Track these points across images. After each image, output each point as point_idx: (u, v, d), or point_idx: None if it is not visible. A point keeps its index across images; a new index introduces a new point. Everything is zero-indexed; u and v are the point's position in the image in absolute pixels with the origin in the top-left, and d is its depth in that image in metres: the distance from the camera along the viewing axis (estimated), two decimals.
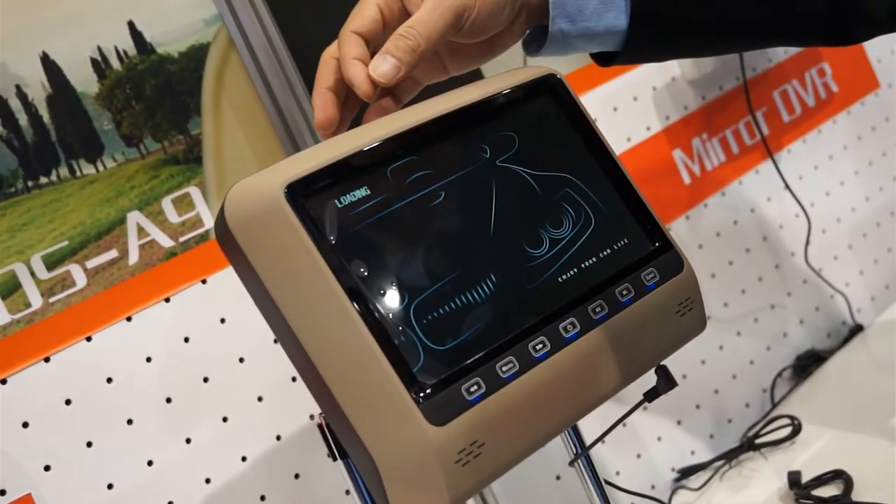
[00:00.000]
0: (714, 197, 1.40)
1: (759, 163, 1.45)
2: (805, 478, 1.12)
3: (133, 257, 0.99)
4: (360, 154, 0.78)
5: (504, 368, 0.76)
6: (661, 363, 0.87)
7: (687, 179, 1.37)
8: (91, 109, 0.99)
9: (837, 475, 1.11)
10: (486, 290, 0.78)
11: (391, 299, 0.75)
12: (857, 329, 1.48)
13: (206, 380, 1.01)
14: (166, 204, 1.01)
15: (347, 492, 1.06)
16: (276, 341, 1.04)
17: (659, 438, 1.29)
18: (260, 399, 1.04)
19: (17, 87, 0.96)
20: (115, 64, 1.01)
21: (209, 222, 1.03)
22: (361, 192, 0.77)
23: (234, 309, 1.04)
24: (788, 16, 0.81)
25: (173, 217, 1.01)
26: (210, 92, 1.05)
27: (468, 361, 0.75)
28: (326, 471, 1.06)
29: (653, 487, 1.25)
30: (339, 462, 0.86)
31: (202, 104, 1.05)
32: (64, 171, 0.97)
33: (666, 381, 0.88)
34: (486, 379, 0.75)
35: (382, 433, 0.74)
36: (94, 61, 1.00)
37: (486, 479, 0.76)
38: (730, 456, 1.25)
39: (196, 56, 1.05)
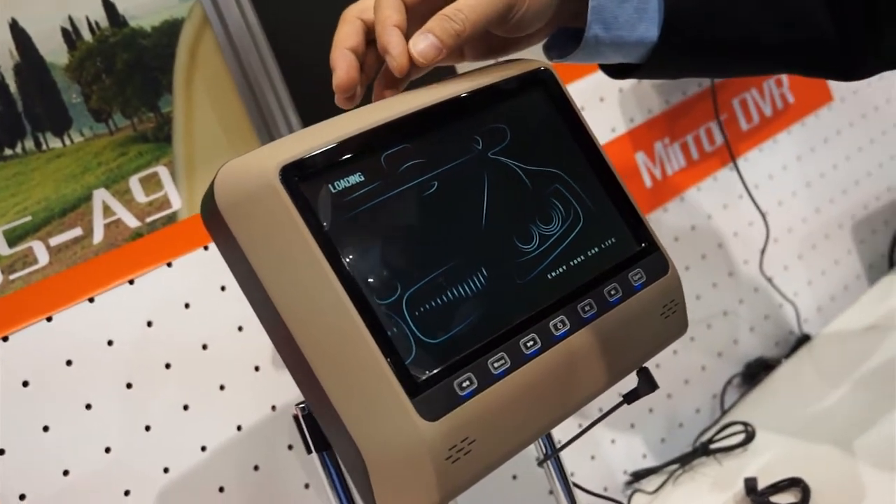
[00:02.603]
0: (673, 202, 1.40)
1: (718, 169, 1.46)
2: (761, 484, 1.13)
3: (98, 236, 0.96)
4: (356, 139, 0.76)
5: (496, 365, 0.75)
6: (644, 365, 0.87)
7: (648, 183, 1.37)
8: (60, 81, 0.96)
9: (794, 483, 1.12)
10: (478, 283, 0.78)
11: (384, 289, 0.73)
12: (805, 339, 1.51)
13: (168, 366, 0.99)
14: (133, 183, 0.98)
15: (307, 485, 1.05)
16: (240, 329, 1.03)
17: (613, 441, 1.29)
18: (222, 388, 1.02)
19: None
20: (87, 35, 0.98)
21: (177, 203, 1.01)
22: (355, 179, 0.76)
23: (199, 294, 1.01)
24: (802, 42, 0.81)
25: (140, 197, 0.99)
26: (182, 69, 1.02)
27: (460, 356, 0.74)
28: (286, 463, 1.05)
29: (605, 489, 1.25)
30: (314, 455, 0.84)
31: (174, 82, 1.02)
32: (30, 144, 0.94)
33: (647, 384, 0.88)
34: (478, 375, 0.74)
35: (372, 426, 0.73)
36: (64, 31, 0.96)
37: (476, 476, 0.75)
38: (684, 460, 1.26)
39: (169, 31, 1.02)
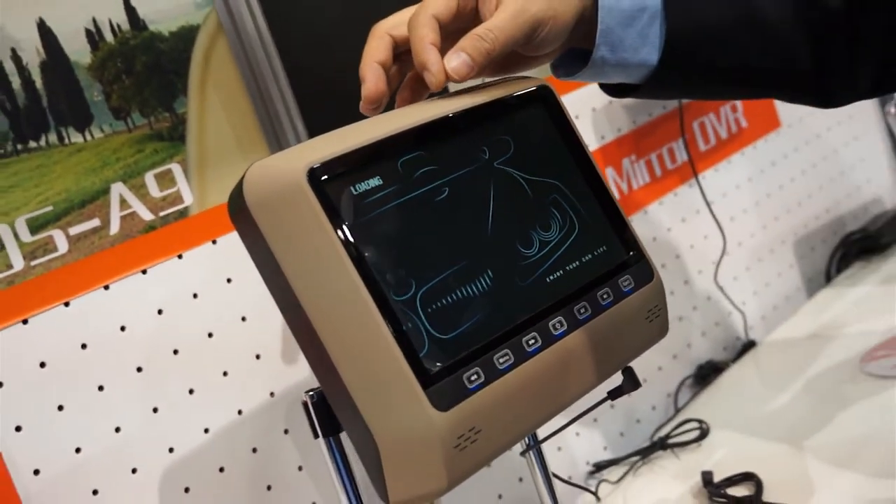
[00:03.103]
0: (637, 214, 1.42)
1: (678, 186, 1.48)
2: (717, 478, 1.15)
3: (114, 227, 0.95)
4: (376, 145, 0.77)
5: (501, 360, 0.76)
6: (629, 365, 0.88)
7: (616, 196, 1.38)
8: (83, 79, 0.95)
9: (747, 477, 1.14)
10: (484, 284, 0.78)
11: (400, 286, 0.74)
12: (750, 344, 1.53)
13: (175, 352, 0.98)
14: (149, 178, 0.98)
15: (300, 468, 1.05)
16: (244, 319, 1.03)
17: (577, 434, 1.30)
18: (225, 374, 1.01)
19: (13, 50, 0.91)
20: (109, 37, 0.97)
21: (188, 199, 1.00)
22: (375, 182, 0.76)
23: (206, 286, 1.01)
24: (786, 72, 0.83)
25: (155, 191, 0.98)
26: (197, 73, 1.02)
27: (469, 352, 0.75)
28: (282, 447, 1.04)
29: (570, 478, 1.26)
30: (322, 441, 0.84)
31: (189, 85, 1.02)
32: (53, 138, 0.93)
33: (631, 382, 0.89)
34: (485, 369, 0.75)
35: (386, 414, 0.73)
36: (88, 32, 0.96)
37: (479, 464, 0.76)
38: (643, 453, 1.27)
39: (186, 37, 1.01)
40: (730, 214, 1.54)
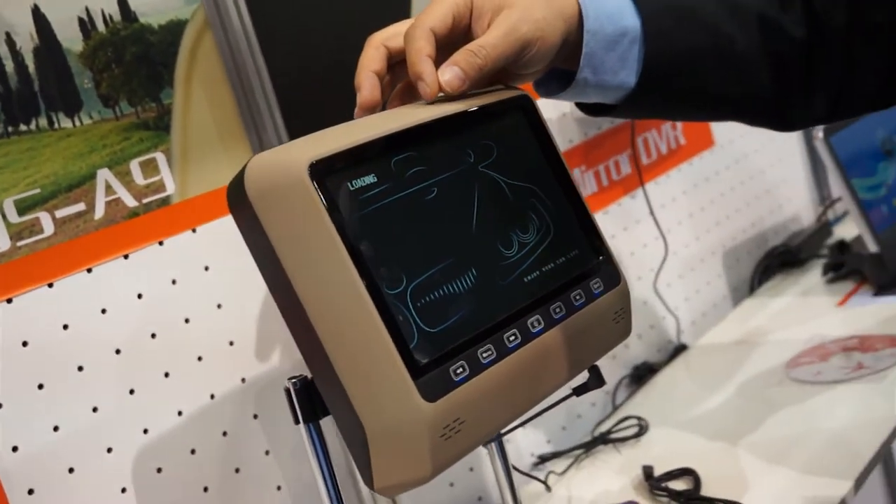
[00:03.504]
0: None
1: (621, 197, 1.50)
2: (656, 472, 1.16)
3: (99, 212, 0.93)
4: (372, 143, 0.76)
5: (484, 355, 0.76)
6: (595, 363, 0.89)
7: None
8: (74, 66, 0.93)
9: (686, 472, 1.15)
10: (469, 281, 0.78)
11: (392, 280, 0.73)
12: (682, 347, 1.55)
13: (153, 336, 0.96)
14: (134, 166, 0.96)
15: (267, 452, 1.03)
16: (219, 306, 1.01)
17: (524, 427, 1.30)
18: (200, 359, 0.99)
19: (7, 34, 0.89)
20: (101, 26, 0.95)
21: (171, 188, 0.98)
22: (370, 179, 0.75)
23: (185, 273, 0.99)
24: (749, 99, 0.85)
25: (139, 179, 0.96)
26: (183, 66, 1.00)
27: (455, 346, 0.75)
28: (250, 431, 1.03)
29: (515, 468, 1.26)
30: (302, 426, 0.83)
31: (175, 77, 1.00)
32: (43, 122, 0.90)
33: (597, 379, 0.90)
34: (470, 363, 0.75)
35: (376, 403, 0.72)
36: (81, 20, 0.93)
37: (461, 454, 0.76)
38: (586, 447, 1.28)
39: (174, 30, 1.00)
40: (667, 226, 1.56)
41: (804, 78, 0.85)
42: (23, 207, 0.88)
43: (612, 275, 0.89)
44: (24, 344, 0.87)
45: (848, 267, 1.62)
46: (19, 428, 0.86)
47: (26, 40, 0.89)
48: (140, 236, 0.96)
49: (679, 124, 1.62)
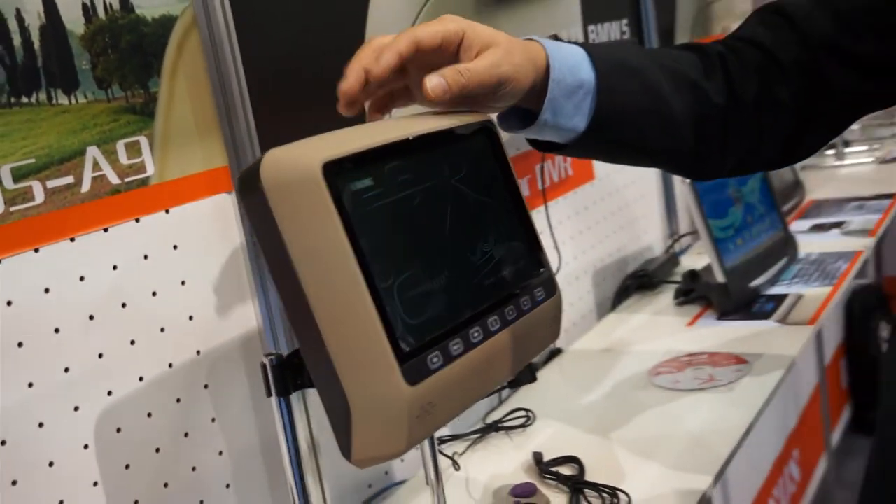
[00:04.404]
0: None
1: None
2: (545, 458, 1.20)
3: (85, 186, 0.90)
4: (372, 150, 0.78)
5: (454, 347, 0.78)
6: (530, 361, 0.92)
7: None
8: (75, 47, 0.89)
9: (571, 459, 1.20)
10: (443, 281, 0.80)
11: (385, 274, 0.75)
12: (557, 352, 1.60)
13: (123, 305, 0.94)
14: (120, 146, 0.93)
15: (213, 419, 1.02)
16: (183, 283, 0.99)
17: None
18: (162, 330, 0.98)
19: (17, 10, 0.85)
20: (101, 13, 0.92)
21: (150, 170, 0.96)
22: (368, 182, 0.77)
23: (156, 249, 0.97)
24: (675, 152, 0.90)
25: (124, 159, 0.93)
26: (171, 59, 0.98)
27: (431, 337, 0.77)
28: (201, 399, 1.02)
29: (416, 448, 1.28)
30: (274, 399, 0.83)
31: (163, 68, 0.97)
32: (42, 97, 0.87)
33: (529, 375, 0.93)
34: (443, 353, 0.78)
35: (363, 382, 0.74)
36: (84, 5, 0.90)
37: (428, 434, 0.79)
38: (481, 432, 1.31)
39: (166, 24, 0.97)
40: (554, 245, 1.62)
41: (721, 138, 0.91)
42: (18, 175, 0.84)
43: (551, 285, 0.92)
44: (9, 304, 0.84)
45: (697, 293, 1.72)
46: None
47: (34, 18, 0.86)
48: (120, 212, 0.93)
49: (569, 157, 1.67)
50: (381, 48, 0.81)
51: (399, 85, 0.87)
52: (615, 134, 0.88)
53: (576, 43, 0.88)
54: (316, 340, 0.73)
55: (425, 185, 0.82)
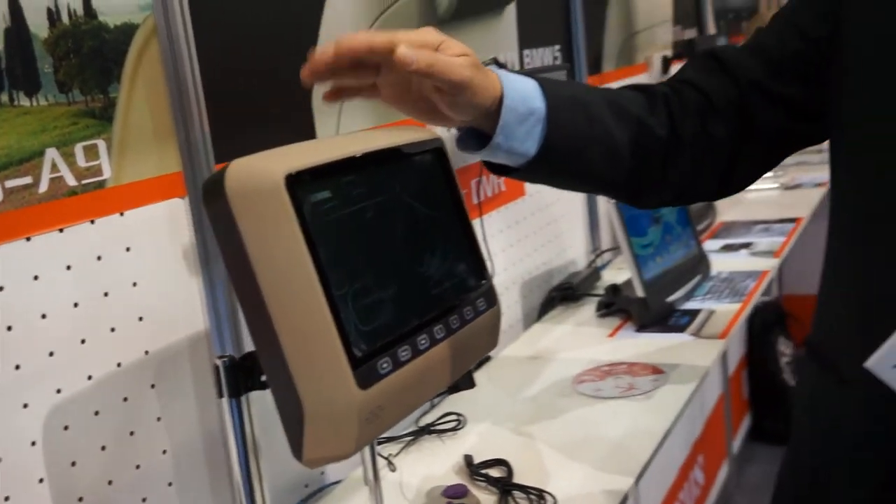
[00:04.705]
0: None
1: None
2: (475, 461, 1.22)
3: (43, 187, 0.89)
4: (331, 164, 0.79)
5: (402, 353, 0.80)
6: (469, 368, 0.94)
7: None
8: (38, 51, 0.89)
9: (500, 462, 1.22)
10: (393, 291, 0.82)
11: (340, 282, 0.76)
12: (486, 359, 1.62)
13: (75, 305, 0.93)
14: (78, 149, 0.92)
15: (159, 419, 1.01)
16: (134, 285, 0.98)
17: None
18: (112, 330, 0.97)
19: None
20: (65, 18, 0.91)
21: (107, 173, 0.95)
22: (326, 194, 0.78)
23: (109, 251, 0.97)
24: (616, 179, 0.94)
25: (81, 161, 0.92)
26: (130, 66, 0.98)
27: (382, 343, 0.78)
28: (147, 399, 1.01)
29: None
30: (226, 400, 0.83)
31: (123, 74, 0.96)
32: (5, 98, 0.86)
33: (468, 381, 0.95)
34: (392, 359, 0.79)
35: (317, 386, 0.75)
36: (49, 10, 0.90)
37: (375, 436, 0.80)
38: (414, 435, 1.32)
39: (127, 32, 0.97)
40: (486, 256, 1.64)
41: (661, 170, 0.94)
42: None
43: (492, 297, 0.94)
44: None
45: (617, 306, 1.77)
46: None
47: None
48: (76, 213, 0.92)
49: None
50: (368, 39, 0.81)
51: (369, 81, 0.86)
52: (563, 160, 0.91)
53: (527, 75, 0.91)
54: (273, 344, 0.74)
55: (378, 199, 0.83)
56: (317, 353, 0.73)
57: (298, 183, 0.74)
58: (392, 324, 0.80)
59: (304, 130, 1.21)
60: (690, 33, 2.92)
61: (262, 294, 0.73)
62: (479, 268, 0.94)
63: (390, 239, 0.83)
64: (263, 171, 0.73)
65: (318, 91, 1.22)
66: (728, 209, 2.54)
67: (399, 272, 0.83)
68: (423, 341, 0.82)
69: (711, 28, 3.13)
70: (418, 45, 0.80)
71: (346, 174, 0.80)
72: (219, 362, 0.83)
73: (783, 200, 2.61)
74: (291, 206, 0.72)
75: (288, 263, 0.73)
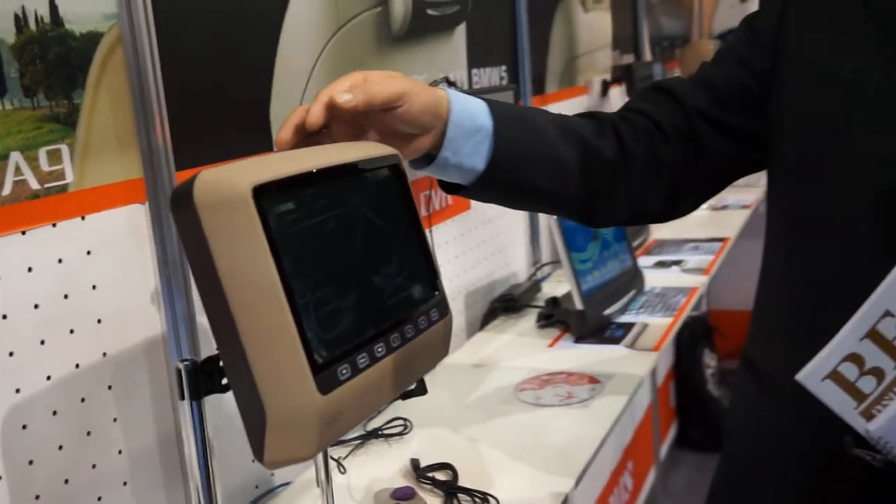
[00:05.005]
0: None
1: None
2: (422, 464, 1.23)
3: (6, 189, 0.88)
4: (296, 177, 0.79)
5: (360, 360, 0.80)
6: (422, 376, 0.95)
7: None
8: (5, 55, 0.87)
9: (445, 466, 1.23)
10: (352, 300, 0.82)
11: (303, 291, 0.76)
12: None
13: (36, 306, 0.92)
14: (42, 153, 0.91)
15: (115, 419, 1.00)
16: (94, 287, 0.97)
17: None
18: (71, 332, 0.96)
19: None
20: (32, 24, 0.90)
21: (70, 178, 0.94)
22: (290, 205, 0.78)
23: (70, 254, 0.95)
24: (566, 198, 0.95)
25: (45, 166, 0.91)
26: (95, 73, 0.97)
27: (341, 351, 0.78)
28: (104, 400, 1.00)
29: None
30: (187, 402, 0.83)
31: (87, 81, 0.96)
32: None
33: (422, 388, 0.95)
34: (351, 366, 0.79)
35: (279, 391, 0.75)
36: (16, 16, 0.88)
37: (334, 438, 0.80)
38: (362, 438, 1.33)
39: (92, 40, 0.97)
40: None
41: (611, 191, 0.96)
42: None
43: (444, 307, 0.95)
44: None
45: (557, 318, 1.79)
46: None
47: None
48: (38, 216, 0.91)
49: None
50: (307, 108, 0.84)
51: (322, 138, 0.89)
52: (510, 176, 0.92)
53: (478, 97, 0.92)
54: (237, 349, 0.74)
55: (339, 212, 0.84)
56: (280, 359, 0.73)
57: (265, 194, 0.74)
58: (351, 332, 0.80)
59: (261, 141, 1.21)
60: (628, 58, 2.98)
61: (227, 300, 0.73)
62: (432, 279, 0.95)
63: (350, 250, 0.84)
64: (231, 182, 0.73)
65: (275, 103, 1.22)
66: (661, 227, 2.59)
67: (358, 282, 0.83)
68: (379, 349, 0.83)
69: (647, 54, 3.20)
70: (348, 88, 0.83)
71: (310, 187, 0.80)
72: (181, 365, 0.82)
73: (712, 221, 2.67)
74: (258, 216, 0.73)
75: (254, 272, 0.73)
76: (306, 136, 0.86)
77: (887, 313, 0.70)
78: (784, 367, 0.90)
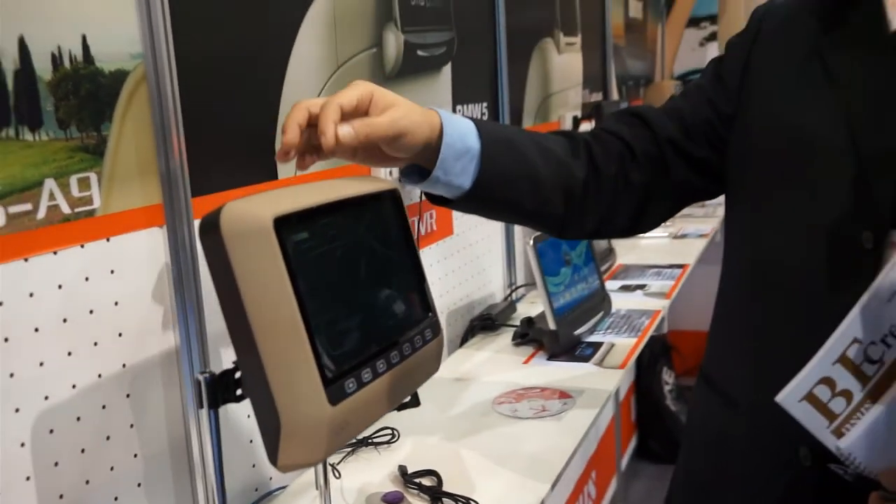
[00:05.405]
0: None
1: None
2: (409, 470, 1.27)
3: (41, 214, 0.91)
4: (310, 210, 0.84)
5: (364, 375, 0.85)
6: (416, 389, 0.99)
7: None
8: (42, 91, 0.91)
9: (431, 472, 1.27)
10: (357, 321, 0.86)
11: (316, 312, 0.80)
12: None
13: (65, 321, 0.95)
14: (73, 180, 0.95)
15: (132, 425, 1.04)
16: (116, 304, 1.01)
17: None
18: (95, 344, 0.99)
19: None
20: (67, 63, 0.94)
21: (97, 203, 0.98)
22: (304, 235, 0.83)
23: (96, 273, 0.99)
24: (545, 214, 1.00)
25: (75, 192, 0.95)
26: (121, 108, 1.01)
27: (348, 366, 0.83)
28: (122, 407, 1.03)
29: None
30: (205, 410, 0.87)
31: (114, 115, 0.99)
32: (11, 132, 0.88)
33: (415, 400, 1.00)
34: (357, 380, 0.84)
35: (294, 401, 0.79)
36: (53, 55, 0.92)
37: (340, 445, 0.85)
38: (354, 446, 1.36)
39: (119, 78, 1.00)
40: None
41: (581, 207, 1.01)
42: None
43: (437, 327, 1.00)
44: None
45: (531, 336, 1.84)
46: None
47: (10, 63, 0.87)
48: (68, 238, 0.94)
49: (435, 214, 1.77)
50: (308, 107, 0.86)
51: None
52: (494, 194, 0.96)
53: (467, 117, 0.97)
54: (255, 363, 0.78)
55: (346, 240, 0.89)
56: (295, 373, 0.78)
57: (284, 225, 0.79)
58: (356, 349, 0.85)
59: (267, 170, 1.26)
60: (597, 97, 3.06)
61: (248, 319, 0.78)
62: (427, 302, 1.00)
63: (356, 275, 0.89)
64: (254, 213, 0.78)
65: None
66: (626, 253, 2.66)
67: (362, 304, 0.88)
68: (381, 365, 0.87)
69: (615, 93, 3.29)
70: (351, 108, 0.85)
71: (323, 218, 0.85)
72: (201, 377, 0.86)
73: (672, 248, 2.75)
74: (278, 244, 0.77)
75: (273, 294, 0.77)
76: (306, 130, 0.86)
77: (855, 340, 0.73)
78: (741, 384, 0.95)
